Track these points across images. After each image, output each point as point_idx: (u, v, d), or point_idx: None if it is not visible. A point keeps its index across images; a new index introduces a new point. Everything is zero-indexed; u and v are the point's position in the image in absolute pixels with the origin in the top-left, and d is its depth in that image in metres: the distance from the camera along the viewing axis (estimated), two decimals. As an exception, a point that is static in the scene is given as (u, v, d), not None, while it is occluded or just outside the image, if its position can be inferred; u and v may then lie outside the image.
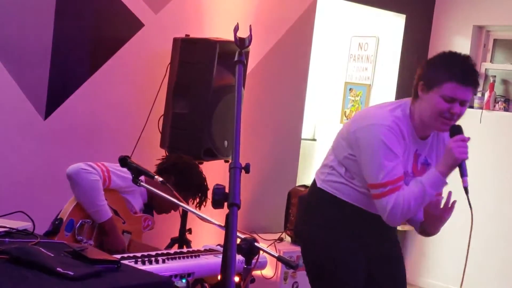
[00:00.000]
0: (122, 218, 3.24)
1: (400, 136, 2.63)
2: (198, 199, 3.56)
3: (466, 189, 2.55)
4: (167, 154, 4.12)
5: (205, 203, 3.59)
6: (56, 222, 3.03)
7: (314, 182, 2.92)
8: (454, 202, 2.70)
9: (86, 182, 3.03)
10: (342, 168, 2.77)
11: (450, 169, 2.60)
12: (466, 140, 2.59)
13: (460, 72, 2.59)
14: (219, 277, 3.37)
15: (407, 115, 2.69)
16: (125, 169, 3.12)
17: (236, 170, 1.78)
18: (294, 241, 4.88)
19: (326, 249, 2.84)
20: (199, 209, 3.50)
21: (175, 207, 3.53)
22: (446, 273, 5.87)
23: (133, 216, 3.32)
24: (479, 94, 5.92)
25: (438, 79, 2.60)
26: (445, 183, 2.64)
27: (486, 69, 6.03)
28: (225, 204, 1.79)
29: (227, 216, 1.75)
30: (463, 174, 2.57)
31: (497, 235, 5.59)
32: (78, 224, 3.08)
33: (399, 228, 6.27)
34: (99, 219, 3.11)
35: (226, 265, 1.67)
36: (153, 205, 3.49)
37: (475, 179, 5.80)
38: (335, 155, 2.81)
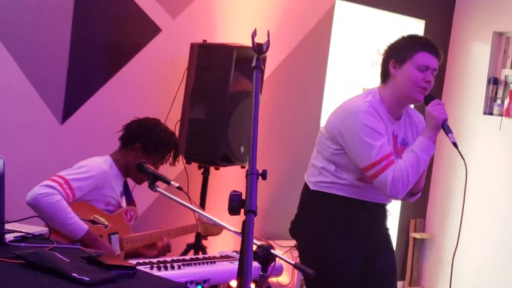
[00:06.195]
0: (102, 223, 3.14)
1: (379, 117, 2.81)
2: (171, 157, 3.39)
3: (455, 144, 2.71)
4: (181, 158, 4.11)
5: (178, 158, 3.45)
6: None
7: (305, 186, 3.01)
8: None
9: (49, 206, 2.89)
10: (331, 166, 2.88)
11: (435, 132, 2.78)
12: (441, 103, 2.79)
13: (427, 43, 2.88)
14: (232, 283, 3.37)
15: (378, 99, 2.86)
16: (83, 165, 3.07)
17: (253, 177, 1.77)
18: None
19: (322, 249, 2.92)
20: (174, 165, 3.39)
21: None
22: (465, 282, 5.80)
23: (113, 216, 3.23)
24: (498, 101, 5.85)
25: (409, 51, 2.82)
26: (434, 147, 2.80)
27: (506, 75, 5.95)
28: (241, 210, 1.77)
29: (244, 223, 1.74)
30: (448, 131, 2.74)
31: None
32: None
33: (416, 236, 6.22)
34: (77, 236, 2.96)
35: (243, 273, 1.65)
36: (131, 178, 3.37)
37: (495, 185, 5.75)
38: (322, 155, 2.95)
